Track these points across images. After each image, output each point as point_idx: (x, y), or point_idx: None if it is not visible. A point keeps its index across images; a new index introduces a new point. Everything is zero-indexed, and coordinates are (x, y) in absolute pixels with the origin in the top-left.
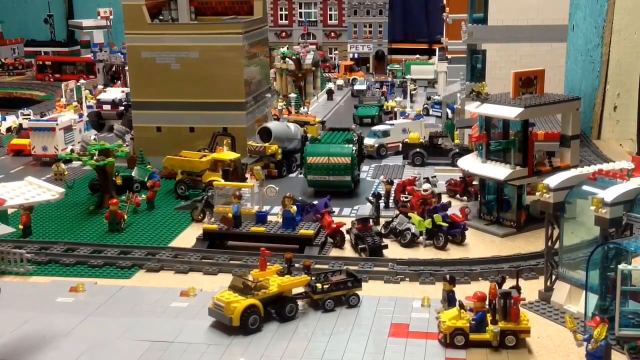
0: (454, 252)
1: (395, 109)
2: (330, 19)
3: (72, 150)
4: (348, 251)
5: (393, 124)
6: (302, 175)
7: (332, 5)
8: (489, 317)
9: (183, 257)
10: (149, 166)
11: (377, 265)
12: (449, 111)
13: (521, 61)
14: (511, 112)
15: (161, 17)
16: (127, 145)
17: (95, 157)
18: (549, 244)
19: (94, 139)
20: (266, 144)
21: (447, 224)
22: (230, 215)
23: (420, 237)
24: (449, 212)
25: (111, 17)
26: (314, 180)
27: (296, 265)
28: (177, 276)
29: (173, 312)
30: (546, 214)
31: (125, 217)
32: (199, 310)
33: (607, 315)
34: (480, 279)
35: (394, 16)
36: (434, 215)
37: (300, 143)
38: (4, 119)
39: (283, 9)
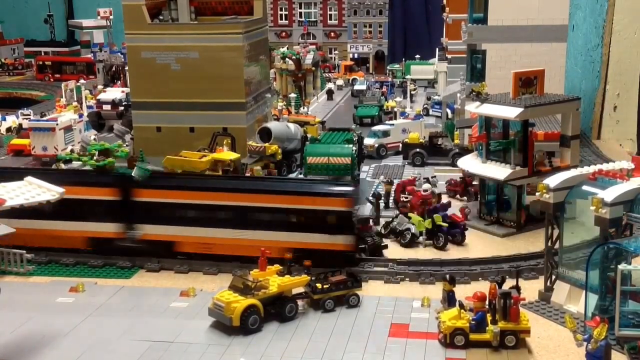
0: (454, 252)
1: (395, 109)
2: (330, 19)
3: (72, 150)
4: None
5: (393, 124)
6: (302, 175)
7: (332, 5)
8: (489, 317)
9: (183, 257)
10: (149, 166)
11: (377, 265)
12: (449, 111)
13: (521, 61)
14: (511, 112)
15: (161, 17)
16: (127, 145)
17: (95, 157)
18: (549, 244)
19: (94, 139)
20: (266, 144)
21: (447, 224)
22: None
23: (420, 237)
24: (449, 212)
25: (111, 17)
26: None
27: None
28: (177, 276)
29: (173, 312)
30: (546, 214)
31: None
32: (199, 310)
33: (607, 315)
34: (480, 279)
35: (394, 16)
36: (434, 215)
37: (300, 143)
38: (4, 119)
39: (283, 9)
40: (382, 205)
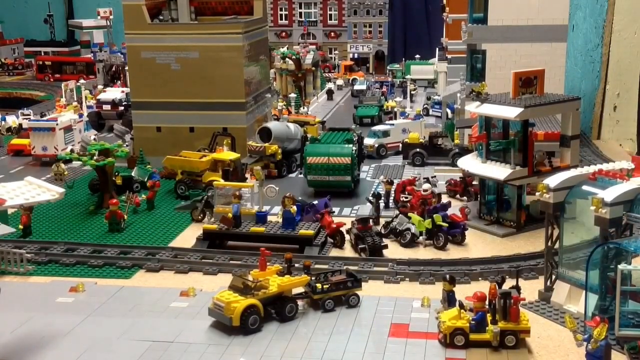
0: (454, 252)
1: (395, 109)
2: (330, 19)
3: (72, 150)
4: (348, 251)
5: (393, 124)
6: (302, 175)
7: (332, 5)
8: (489, 317)
9: (183, 257)
10: (148, 166)
11: (377, 265)
12: (449, 111)
13: (521, 61)
14: (511, 112)
15: (161, 17)
16: (127, 145)
17: (95, 157)
18: (549, 244)
19: (94, 139)
20: (266, 144)
21: (447, 224)
22: (230, 215)
23: (420, 237)
24: (449, 212)
25: (111, 17)
26: (314, 180)
27: (296, 265)
28: (177, 276)
29: (173, 312)
30: (546, 214)
31: (125, 217)
32: (199, 310)
33: (607, 315)
34: (480, 279)
35: (394, 16)
36: (434, 215)
37: (300, 143)
38: (4, 119)
39: (283, 9)
40: (382, 205)
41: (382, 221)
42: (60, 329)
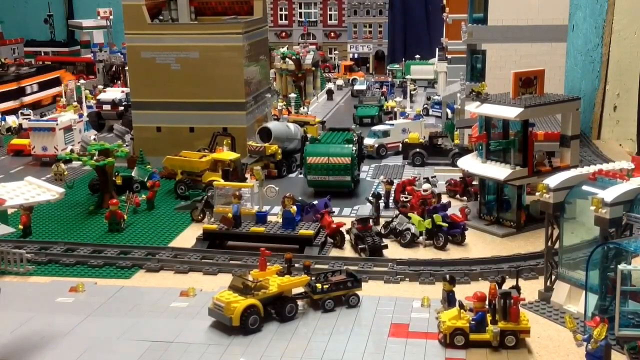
0: (454, 252)
1: (395, 109)
2: (330, 19)
3: (72, 150)
4: (348, 251)
5: (393, 124)
6: (302, 175)
7: (332, 5)
8: (489, 317)
9: (183, 257)
10: (148, 166)
11: (377, 265)
12: (449, 111)
13: (521, 61)
14: (511, 112)
15: (161, 17)
16: (127, 145)
17: (95, 157)
18: (549, 244)
19: (94, 139)
20: (266, 144)
21: (447, 224)
22: (230, 215)
23: (420, 237)
24: (449, 212)
25: (111, 17)
26: (314, 180)
27: (296, 265)
28: (177, 276)
29: (173, 312)
30: (546, 214)
31: (125, 217)
32: (199, 310)
33: (607, 315)
34: (480, 279)
35: (394, 16)
36: (434, 215)
37: (300, 143)
38: (4, 119)
39: (283, 9)
40: (382, 205)
41: (382, 221)
42: (60, 329)
